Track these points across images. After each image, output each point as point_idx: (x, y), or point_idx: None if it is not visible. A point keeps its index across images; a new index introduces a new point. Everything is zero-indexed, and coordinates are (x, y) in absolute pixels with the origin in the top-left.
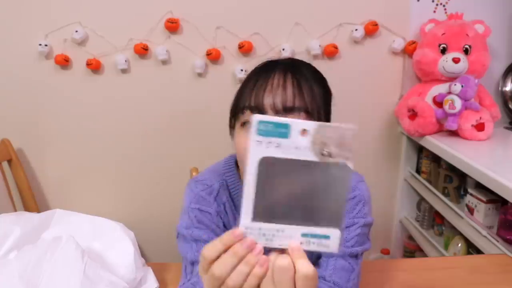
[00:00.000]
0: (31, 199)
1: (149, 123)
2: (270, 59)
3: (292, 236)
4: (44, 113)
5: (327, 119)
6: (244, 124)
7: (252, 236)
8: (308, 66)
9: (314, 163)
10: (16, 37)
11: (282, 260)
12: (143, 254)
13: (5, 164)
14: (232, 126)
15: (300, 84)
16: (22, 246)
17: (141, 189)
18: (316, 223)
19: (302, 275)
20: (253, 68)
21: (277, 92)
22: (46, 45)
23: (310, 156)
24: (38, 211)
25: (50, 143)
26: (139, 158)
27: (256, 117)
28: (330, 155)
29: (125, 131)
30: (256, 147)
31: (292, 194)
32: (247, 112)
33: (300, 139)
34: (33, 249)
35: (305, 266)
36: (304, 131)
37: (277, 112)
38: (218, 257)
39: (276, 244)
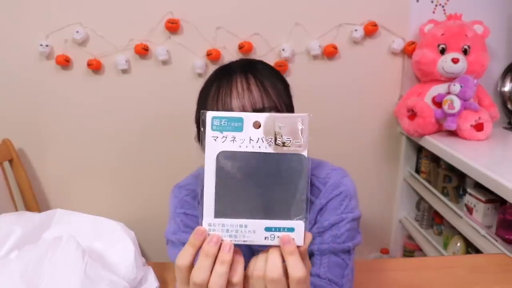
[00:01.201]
0: (32, 199)
1: (149, 123)
2: (223, 65)
3: (255, 230)
4: (45, 113)
5: (292, 111)
6: None
7: (216, 233)
8: (263, 63)
9: (270, 155)
10: (17, 37)
11: (272, 274)
12: (143, 254)
13: (6, 164)
14: (200, 138)
15: (264, 83)
16: (23, 245)
17: (142, 189)
18: (279, 216)
19: (295, 280)
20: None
21: (243, 96)
22: (47, 46)
23: (265, 147)
24: (39, 211)
25: (51, 143)
26: (139, 158)
27: (209, 114)
28: (284, 144)
29: (126, 131)
30: (212, 143)
31: (252, 188)
32: None
33: (253, 131)
34: (34, 249)
35: (298, 271)
36: (256, 123)
37: None
38: (192, 262)
39: (240, 240)
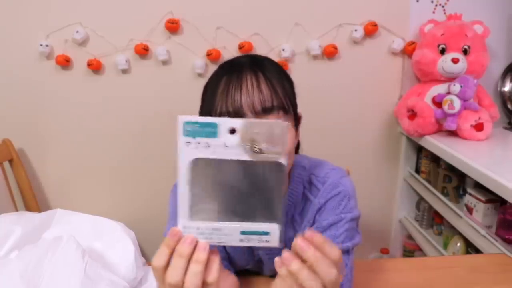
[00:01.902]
0: (32, 199)
1: (149, 123)
2: (230, 60)
3: (231, 234)
4: (45, 113)
5: (296, 110)
6: None
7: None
8: (270, 61)
9: (247, 162)
10: (17, 37)
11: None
12: (143, 254)
13: (6, 164)
14: None
15: (273, 83)
16: (23, 245)
17: (142, 189)
18: (254, 220)
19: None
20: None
21: (253, 93)
22: (47, 46)
23: (241, 154)
24: (39, 211)
25: (51, 143)
26: (139, 158)
27: (181, 118)
28: (261, 151)
29: (126, 131)
30: (185, 149)
31: (227, 193)
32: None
33: (229, 137)
34: (34, 249)
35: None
36: (232, 130)
37: (256, 114)
38: (167, 262)
39: (215, 241)
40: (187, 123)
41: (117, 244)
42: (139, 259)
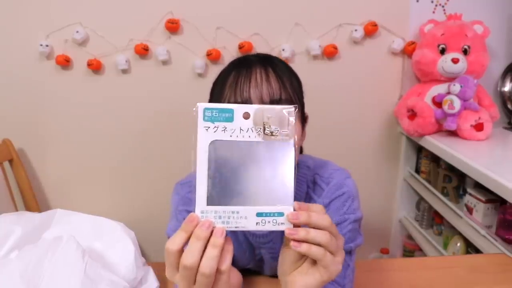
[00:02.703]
0: (32, 199)
1: (149, 123)
2: (240, 57)
3: (247, 216)
4: (45, 113)
5: (303, 109)
6: None
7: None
8: (281, 60)
9: (260, 143)
10: (17, 37)
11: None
12: (143, 254)
13: (6, 164)
14: None
15: (282, 78)
16: (23, 245)
17: (142, 189)
18: (269, 202)
19: None
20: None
21: (262, 86)
22: (47, 46)
23: (255, 137)
24: (39, 211)
25: (51, 143)
26: (139, 158)
27: (201, 105)
28: (272, 133)
29: (126, 131)
30: (204, 133)
31: (243, 176)
32: None
33: (243, 121)
34: (34, 249)
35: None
36: (246, 114)
37: None
38: (182, 247)
39: (233, 226)
40: (207, 109)
41: (117, 244)
42: (139, 259)
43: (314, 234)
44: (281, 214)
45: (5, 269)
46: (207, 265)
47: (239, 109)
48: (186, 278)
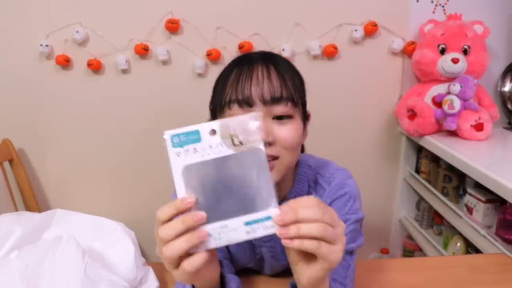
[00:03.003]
0: (32, 199)
1: (149, 123)
2: (242, 54)
3: (236, 228)
4: (45, 113)
5: (305, 107)
6: None
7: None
8: (283, 58)
9: (231, 155)
10: (17, 37)
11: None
12: (143, 254)
13: (6, 164)
14: None
15: (284, 75)
16: (23, 245)
17: (142, 189)
18: (254, 209)
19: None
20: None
21: (263, 84)
22: (47, 46)
23: (225, 151)
24: (39, 211)
25: (51, 143)
26: (139, 158)
27: (168, 133)
28: (241, 143)
29: (126, 131)
30: (176, 159)
31: (224, 191)
32: (235, 106)
33: (211, 138)
34: (34, 249)
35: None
36: (212, 131)
37: (265, 103)
38: (168, 220)
39: (224, 241)
40: (174, 136)
41: (117, 244)
42: (139, 259)
43: (305, 228)
44: (268, 218)
45: (5, 269)
46: (177, 246)
47: (204, 128)
48: (158, 245)
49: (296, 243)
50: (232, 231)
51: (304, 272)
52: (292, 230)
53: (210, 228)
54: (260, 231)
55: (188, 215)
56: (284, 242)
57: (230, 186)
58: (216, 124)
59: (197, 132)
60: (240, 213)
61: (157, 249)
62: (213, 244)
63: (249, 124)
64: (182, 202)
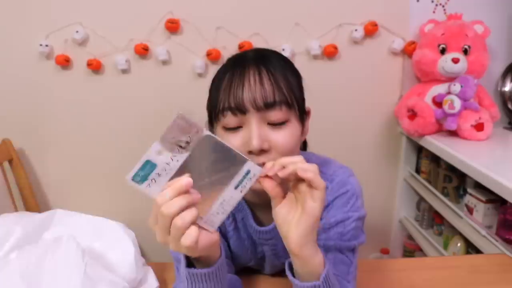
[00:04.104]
0: (32, 199)
1: (149, 123)
2: (237, 54)
3: (231, 195)
4: (45, 113)
5: (303, 104)
6: (228, 129)
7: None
8: (277, 55)
9: (189, 157)
10: (17, 37)
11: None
12: (143, 254)
13: (6, 164)
14: (211, 125)
15: (276, 77)
16: (23, 246)
17: None
18: (235, 173)
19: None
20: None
21: (255, 90)
22: (47, 46)
23: (182, 158)
24: (39, 211)
25: (51, 143)
26: (139, 158)
27: (129, 178)
28: (188, 143)
29: (126, 131)
30: (150, 190)
31: (206, 180)
32: (229, 114)
33: (163, 157)
34: (34, 249)
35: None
36: (158, 151)
37: (258, 110)
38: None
39: (228, 210)
40: (134, 176)
41: (117, 244)
42: (139, 259)
43: (284, 160)
44: (248, 172)
45: (5, 269)
46: (185, 218)
47: (150, 154)
48: (160, 225)
49: (285, 171)
50: (229, 199)
51: (294, 233)
52: (276, 166)
53: (214, 210)
54: (249, 184)
55: (190, 194)
56: (265, 181)
57: (208, 174)
58: (156, 145)
59: (148, 162)
60: (227, 184)
61: (151, 220)
62: (222, 217)
63: (180, 124)
64: (184, 187)
